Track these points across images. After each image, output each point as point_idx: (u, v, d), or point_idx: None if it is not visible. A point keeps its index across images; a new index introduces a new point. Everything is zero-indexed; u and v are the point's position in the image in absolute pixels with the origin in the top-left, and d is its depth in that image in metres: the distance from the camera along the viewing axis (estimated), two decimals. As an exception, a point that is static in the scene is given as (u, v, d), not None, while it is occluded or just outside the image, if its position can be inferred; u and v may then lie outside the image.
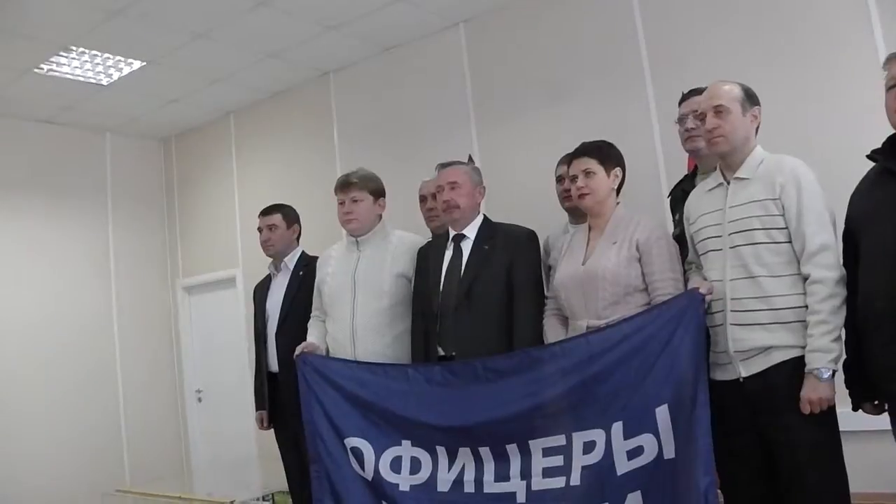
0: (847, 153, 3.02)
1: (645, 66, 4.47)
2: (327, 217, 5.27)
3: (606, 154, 2.76)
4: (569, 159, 3.26)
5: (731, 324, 2.39)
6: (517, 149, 4.89)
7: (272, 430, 3.93)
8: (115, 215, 6.64)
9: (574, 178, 2.77)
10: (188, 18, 4.74)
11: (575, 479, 2.51)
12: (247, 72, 5.70)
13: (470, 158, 3.82)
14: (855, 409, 2.38)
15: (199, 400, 6.67)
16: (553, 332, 2.85)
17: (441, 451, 2.80)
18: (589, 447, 2.50)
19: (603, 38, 4.65)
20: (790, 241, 2.35)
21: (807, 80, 3.78)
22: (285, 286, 3.85)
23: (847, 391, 2.36)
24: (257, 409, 3.97)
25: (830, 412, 2.29)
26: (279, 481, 4.14)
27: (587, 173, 2.73)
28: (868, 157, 2.31)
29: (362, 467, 2.88)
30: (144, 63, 5.34)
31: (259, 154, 6.45)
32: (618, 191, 2.79)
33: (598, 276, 2.62)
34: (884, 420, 2.31)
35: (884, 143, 2.29)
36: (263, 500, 4.39)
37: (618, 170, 2.76)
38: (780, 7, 3.96)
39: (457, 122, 5.22)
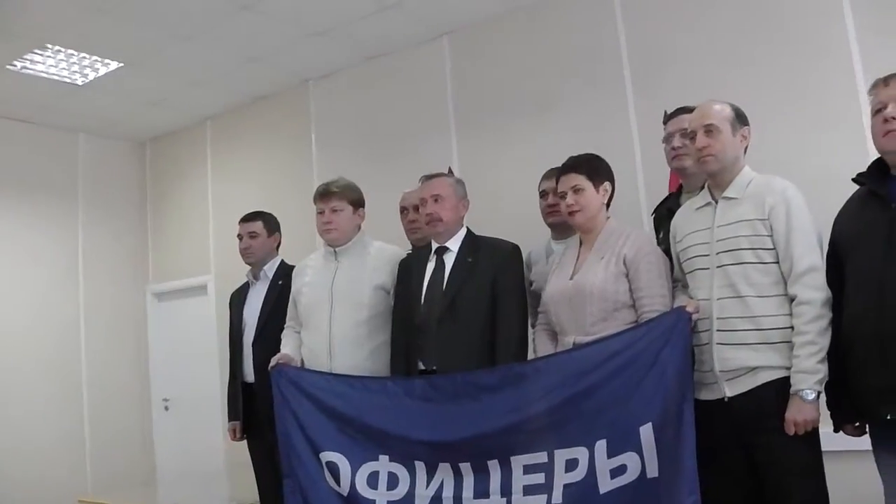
0: (822, 175, 3.09)
1: (627, 84, 4.50)
2: (303, 225, 5.21)
3: (595, 168, 2.73)
4: (555, 174, 3.24)
5: (718, 343, 2.39)
6: (497, 162, 4.88)
7: (244, 441, 3.84)
8: (86, 217, 6.49)
9: (563, 195, 2.74)
10: (171, 20, 4.67)
11: (556, 497, 2.47)
12: (227, 76, 5.64)
13: (450, 170, 3.79)
14: (836, 430, 2.39)
15: (167, 409, 6.54)
16: (543, 347, 2.82)
17: (420, 466, 2.75)
18: (571, 465, 2.47)
19: (586, 55, 4.67)
20: (777, 262, 2.36)
21: (784, 103, 3.82)
22: (263, 295, 3.78)
23: (829, 412, 2.37)
24: (230, 420, 3.88)
25: (814, 433, 2.29)
26: (248, 494, 4.04)
27: (576, 190, 2.69)
28: (854, 180, 2.34)
29: (338, 482, 2.82)
30: (122, 64, 5.25)
31: (235, 160, 6.38)
32: (608, 204, 2.76)
33: (586, 292, 2.59)
34: (864, 441, 2.33)
35: (869, 167, 2.32)
36: (231, 512, 4.31)
37: (607, 184, 2.74)
38: (761, 32, 4.02)
39: (437, 134, 5.21)
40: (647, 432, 2.37)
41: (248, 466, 3.89)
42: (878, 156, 2.29)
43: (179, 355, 6.48)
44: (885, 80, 2.22)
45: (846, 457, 2.54)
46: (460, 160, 5.02)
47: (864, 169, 2.25)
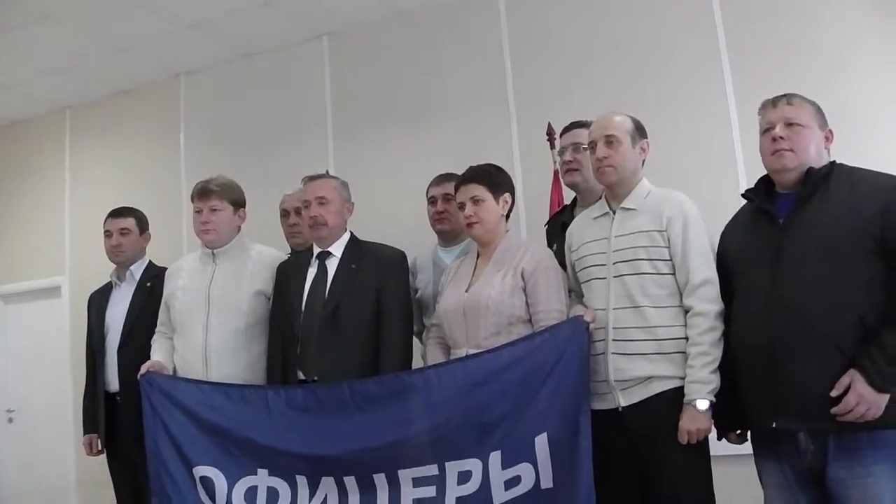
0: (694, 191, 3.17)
1: (510, 94, 4.56)
2: (168, 226, 4.96)
3: (495, 180, 2.68)
4: (444, 181, 3.23)
5: (613, 353, 2.39)
6: (374, 167, 4.81)
7: (100, 456, 3.54)
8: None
9: (461, 206, 2.68)
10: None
11: None
12: (92, 64, 5.27)
13: (327, 173, 3.68)
14: (720, 437, 2.45)
15: (11, 420, 6.00)
16: (434, 360, 2.75)
17: (301, 480, 2.62)
18: (464, 477, 2.42)
19: (470, 64, 4.70)
20: (673, 273, 2.40)
21: (661, 119, 3.92)
22: (130, 297, 3.52)
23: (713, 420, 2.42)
24: (86, 432, 3.57)
25: (704, 441, 2.35)
26: (102, 514, 3.76)
27: (475, 201, 2.64)
28: (743, 195, 2.41)
29: (213, 499, 2.66)
30: (-30, 43, 4.81)
31: (96, 155, 5.95)
32: (507, 216, 2.73)
33: (481, 305, 2.54)
34: (745, 445, 2.42)
35: (756, 184, 2.39)
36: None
37: (507, 196, 2.69)
38: (642, 49, 4.20)
39: (313, 136, 5.11)
40: (541, 443, 2.34)
41: (101, 484, 3.63)
42: (765, 173, 2.36)
43: (27, 363, 5.96)
44: (774, 102, 2.30)
45: (728, 461, 2.60)
46: (336, 163, 4.91)
47: (734, 187, 2.35)
